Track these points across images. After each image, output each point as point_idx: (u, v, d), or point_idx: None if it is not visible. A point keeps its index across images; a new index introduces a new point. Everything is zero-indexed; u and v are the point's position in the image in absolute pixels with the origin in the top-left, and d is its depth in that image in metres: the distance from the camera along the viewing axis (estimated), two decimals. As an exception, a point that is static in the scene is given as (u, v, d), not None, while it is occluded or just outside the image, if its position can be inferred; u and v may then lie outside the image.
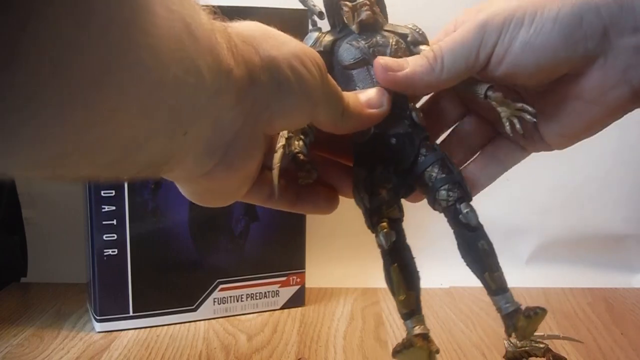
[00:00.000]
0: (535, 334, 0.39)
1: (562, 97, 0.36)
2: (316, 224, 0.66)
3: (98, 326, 0.56)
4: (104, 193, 0.54)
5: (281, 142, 0.34)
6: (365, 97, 0.35)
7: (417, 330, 0.34)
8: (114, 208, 0.54)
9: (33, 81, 0.16)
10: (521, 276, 0.70)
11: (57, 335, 0.55)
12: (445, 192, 0.35)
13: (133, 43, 0.19)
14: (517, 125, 0.35)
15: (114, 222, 0.54)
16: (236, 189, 0.32)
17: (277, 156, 0.34)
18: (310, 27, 0.38)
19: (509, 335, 0.35)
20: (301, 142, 0.34)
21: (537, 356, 0.39)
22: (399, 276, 0.34)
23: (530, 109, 0.35)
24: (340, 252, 0.71)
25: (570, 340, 0.48)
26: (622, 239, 0.73)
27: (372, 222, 0.35)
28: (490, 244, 0.35)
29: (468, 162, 0.40)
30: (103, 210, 0.54)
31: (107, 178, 0.25)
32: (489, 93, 0.35)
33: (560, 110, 0.36)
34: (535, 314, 0.34)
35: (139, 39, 0.19)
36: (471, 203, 0.35)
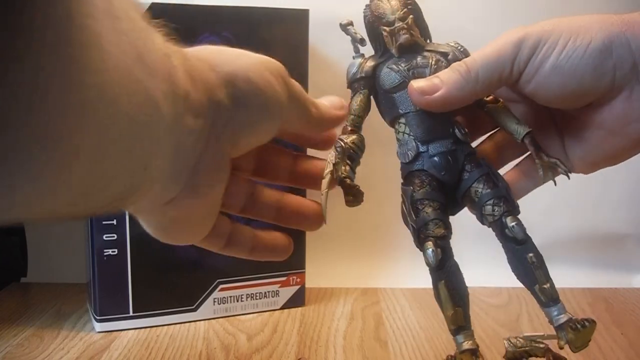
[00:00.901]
0: (535, 334, 0.39)
1: (585, 124, 0.36)
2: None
3: (98, 326, 0.56)
4: (104, 193, 0.54)
5: (328, 168, 0.36)
6: (328, 101, 0.36)
7: (466, 345, 0.34)
8: (114, 208, 0.54)
9: None
10: (521, 276, 0.70)
11: (57, 335, 0.55)
12: (491, 206, 0.36)
13: (77, 84, 0.18)
14: (551, 175, 0.36)
15: (114, 222, 0.54)
16: (202, 219, 0.32)
17: (325, 182, 0.35)
18: (353, 54, 0.39)
19: (561, 348, 0.36)
20: (347, 167, 0.36)
21: (537, 356, 0.39)
22: (446, 292, 0.34)
23: (563, 165, 0.36)
24: (340, 252, 0.71)
25: (570, 340, 0.47)
26: (622, 239, 0.73)
27: (420, 241, 0.36)
28: (539, 256, 0.36)
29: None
30: (103, 210, 0.54)
31: (69, 215, 0.25)
32: (526, 140, 0.36)
33: (582, 137, 0.37)
34: (583, 327, 0.34)
35: (83, 79, 0.18)
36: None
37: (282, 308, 0.62)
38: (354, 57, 0.39)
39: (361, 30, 0.39)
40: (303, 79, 0.55)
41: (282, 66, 0.31)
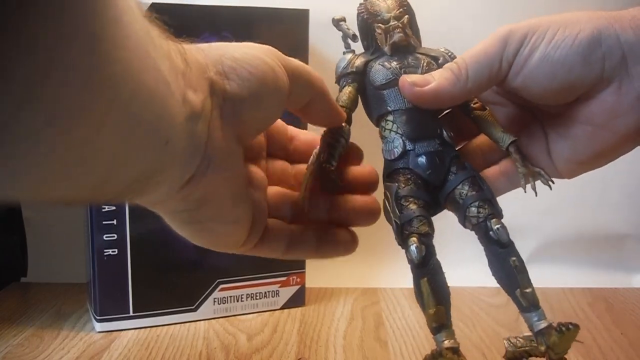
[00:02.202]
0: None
1: (572, 120, 0.36)
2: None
3: (98, 326, 0.56)
4: (104, 193, 0.54)
5: (312, 159, 0.36)
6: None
7: (447, 344, 0.34)
8: (114, 208, 0.54)
9: (6, 107, 0.16)
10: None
11: (57, 335, 0.55)
12: (476, 208, 0.35)
13: (105, 58, 0.18)
14: (532, 184, 0.36)
15: (114, 222, 0.54)
16: (229, 200, 0.31)
17: (308, 169, 0.36)
18: (344, 49, 0.39)
19: (543, 355, 0.35)
20: (327, 155, 0.36)
21: (537, 356, 0.39)
22: (428, 290, 0.34)
23: (545, 175, 0.36)
24: (340, 252, 0.71)
25: (570, 340, 0.48)
26: (622, 239, 0.73)
27: (402, 237, 0.35)
28: (521, 261, 0.35)
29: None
30: (103, 210, 0.54)
31: (92, 199, 0.25)
32: (511, 149, 0.36)
33: (569, 134, 0.37)
34: (568, 330, 0.33)
35: (111, 54, 0.19)
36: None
37: (282, 308, 0.62)
38: (344, 53, 0.39)
39: (353, 27, 0.39)
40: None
41: (273, 48, 0.32)
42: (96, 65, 0.18)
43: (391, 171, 0.37)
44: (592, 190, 0.72)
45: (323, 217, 0.37)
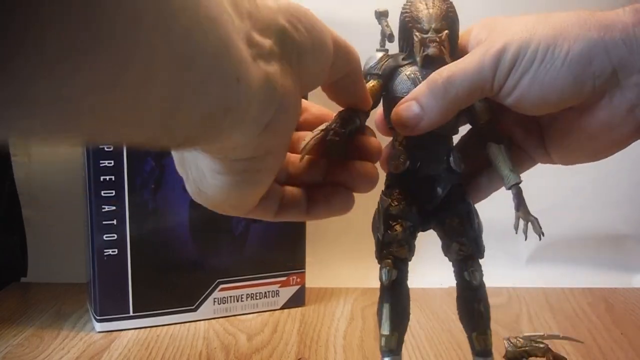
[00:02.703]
0: (535, 333, 0.39)
1: (568, 127, 0.36)
2: (316, 224, 0.66)
3: (98, 326, 0.56)
4: (104, 193, 0.54)
5: (321, 126, 0.35)
6: None
7: None
8: (114, 208, 0.54)
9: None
10: (521, 276, 0.70)
11: (57, 335, 0.55)
12: (458, 246, 0.36)
13: None
14: (524, 227, 0.36)
15: (114, 222, 0.54)
16: (285, 149, 0.31)
17: (314, 132, 0.35)
18: (378, 46, 0.39)
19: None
20: (338, 126, 0.35)
21: (537, 356, 0.39)
22: (388, 315, 0.36)
23: (538, 225, 0.36)
24: (340, 252, 0.71)
25: (570, 340, 0.48)
26: (622, 239, 0.73)
27: (380, 255, 0.36)
28: (486, 307, 0.37)
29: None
30: (103, 210, 0.54)
31: (165, 139, 0.23)
32: (513, 191, 0.36)
33: (565, 139, 0.37)
34: None
35: None
36: (480, 261, 0.37)
37: (282, 308, 0.62)
38: (377, 50, 0.39)
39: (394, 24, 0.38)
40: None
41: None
42: None
43: (390, 183, 0.38)
44: (592, 191, 0.72)
45: (317, 179, 0.36)
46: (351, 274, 0.69)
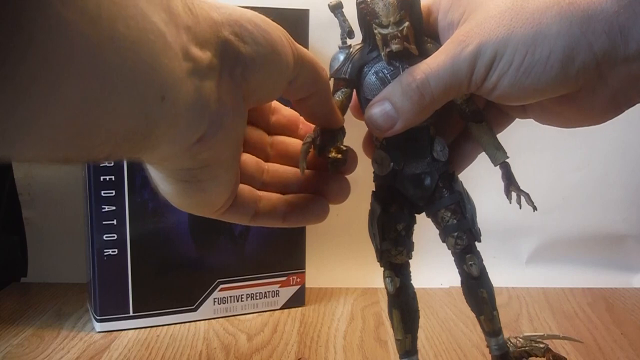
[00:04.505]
0: (535, 333, 0.39)
1: (549, 111, 0.36)
2: (316, 224, 0.66)
3: (98, 326, 0.56)
4: (104, 193, 0.54)
5: (306, 139, 0.35)
6: None
7: None
8: (114, 208, 0.54)
9: None
10: (521, 276, 0.70)
11: (57, 335, 0.55)
12: (454, 239, 0.37)
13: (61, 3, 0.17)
14: (516, 200, 0.36)
15: (114, 222, 0.54)
16: (230, 160, 0.31)
17: (304, 148, 0.35)
18: (340, 44, 0.37)
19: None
20: (324, 141, 0.35)
21: (537, 356, 0.39)
22: (399, 319, 0.37)
23: (530, 200, 0.36)
24: (340, 252, 0.71)
25: (570, 340, 0.48)
26: (622, 239, 0.73)
27: (381, 261, 0.37)
28: (489, 292, 0.37)
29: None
30: (103, 210, 0.54)
31: (78, 156, 0.23)
32: (501, 169, 0.36)
33: (547, 114, 0.37)
34: None
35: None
36: (478, 250, 0.37)
37: (282, 308, 0.62)
38: (339, 47, 0.37)
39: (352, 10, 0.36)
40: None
41: (286, 32, 0.31)
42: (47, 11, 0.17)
43: (379, 185, 0.38)
44: (592, 191, 0.72)
45: (294, 189, 0.37)
46: (351, 274, 0.69)
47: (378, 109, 0.34)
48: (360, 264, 0.69)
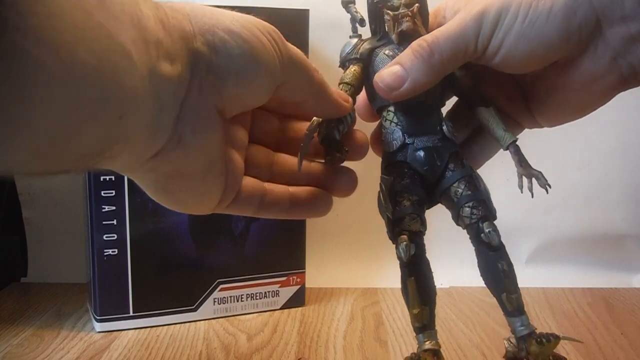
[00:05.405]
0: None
1: (552, 84, 0.36)
2: (316, 224, 0.66)
3: (98, 326, 0.56)
4: (104, 193, 0.54)
5: (312, 124, 0.36)
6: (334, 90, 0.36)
7: (428, 345, 0.34)
8: (114, 208, 0.54)
9: None
10: (521, 276, 0.69)
11: (57, 335, 0.55)
12: (470, 209, 0.35)
13: (16, 28, 0.17)
14: (529, 185, 0.35)
15: (114, 222, 0.54)
16: (200, 174, 0.30)
17: (306, 137, 0.35)
18: (351, 33, 0.39)
19: (523, 358, 0.35)
20: (328, 128, 0.35)
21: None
22: (414, 290, 0.34)
23: (543, 177, 0.35)
24: (340, 252, 0.71)
25: (570, 340, 0.48)
26: (622, 239, 0.73)
27: (394, 234, 0.35)
28: (510, 265, 0.35)
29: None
30: (103, 210, 0.54)
31: (39, 169, 0.23)
32: (511, 150, 0.36)
33: (550, 97, 0.37)
34: (548, 341, 0.34)
35: (28, 22, 0.17)
36: (495, 222, 0.35)
37: (282, 308, 0.62)
38: (350, 37, 0.39)
39: (362, 10, 0.39)
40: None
41: (275, 28, 0.30)
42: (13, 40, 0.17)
43: (388, 163, 0.37)
44: (592, 191, 0.72)
45: (300, 181, 0.37)
46: (351, 274, 0.69)
47: (388, 71, 0.35)
48: (360, 264, 0.69)
